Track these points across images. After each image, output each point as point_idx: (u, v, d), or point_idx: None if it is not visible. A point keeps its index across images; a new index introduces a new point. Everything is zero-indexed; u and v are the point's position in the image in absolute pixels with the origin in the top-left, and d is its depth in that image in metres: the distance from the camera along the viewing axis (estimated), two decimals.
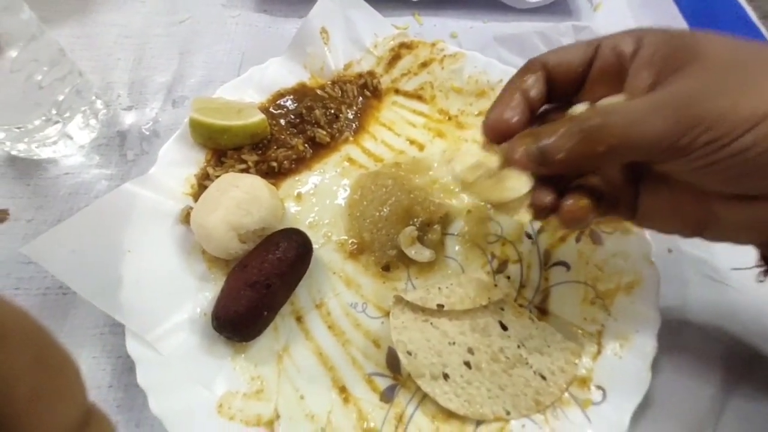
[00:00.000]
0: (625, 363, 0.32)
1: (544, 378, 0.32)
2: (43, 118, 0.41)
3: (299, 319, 0.36)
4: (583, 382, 0.32)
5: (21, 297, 0.37)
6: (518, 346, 0.33)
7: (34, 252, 0.31)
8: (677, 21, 0.56)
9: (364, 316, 0.36)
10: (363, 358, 0.34)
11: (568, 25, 0.55)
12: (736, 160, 0.21)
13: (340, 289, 0.38)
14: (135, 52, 0.53)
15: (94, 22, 0.56)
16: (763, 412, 0.32)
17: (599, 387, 0.31)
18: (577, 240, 0.40)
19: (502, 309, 0.35)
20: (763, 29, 0.55)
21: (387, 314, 0.36)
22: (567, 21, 0.56)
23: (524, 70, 0.29)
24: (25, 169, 0.44)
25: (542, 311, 0.37)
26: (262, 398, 0.32)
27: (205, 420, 0.30)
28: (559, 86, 0.28)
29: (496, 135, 0.28)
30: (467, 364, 0.32)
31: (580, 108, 0.27)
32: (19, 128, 0.41)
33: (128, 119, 0.48)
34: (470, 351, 0.33)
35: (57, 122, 0.42)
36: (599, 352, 0.33)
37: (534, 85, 0.28)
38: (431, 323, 0.34)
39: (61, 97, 0.42)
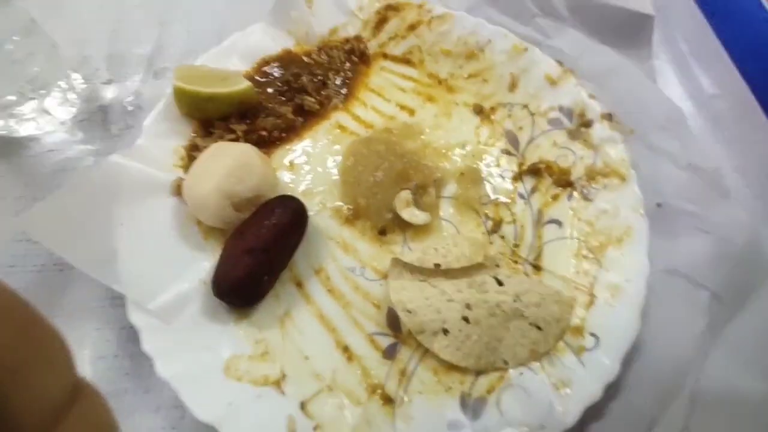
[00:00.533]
0: (616, 311, 0.33)
1: (540, 329, 0.33)
2: (18, 92, 0.39)
3: (299, 284, 0.36)
4: (577, 330, 0.33)
5: (17, 274, 0.37)
6: (514, 300, 0.34)
7: (26, 225, 0.31)
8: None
9: (362, 279, 0.37)
10: (364, 319, 0.35)
11: None
12: None
13: (337, 254, 0.38)
14: (111, 23, 0.51)
15: None
16: (747, 354, 0.33)
17: (592, 334, 0.33)
18: (569, 198, 0.41)
19: (498, 266, 0.36)
20: None
21: (385, 276, 0.37)
22: None
23: None
24: (6, 147, 0.43)
25: (536, 268, 0.38)
26: (268, 360, 0.33)
27: (213, 381, 0.30)
28: None
29: None
30: (465, 319, 0.33)
31: None
32: None
33: (109, 93, 0.47)
34: (468, 306, 0.34)
35: (32, 98, 0.41)
36: (592, 302, 0.34)
37: None
38: (429, 283, 0.35)
39: (35, 70, 0.40)
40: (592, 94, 0.44)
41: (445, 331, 0.33)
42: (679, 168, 0.42)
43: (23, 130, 0.42)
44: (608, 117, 0.43)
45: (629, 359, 0.32)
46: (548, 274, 0.37)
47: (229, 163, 0.35)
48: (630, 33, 0.51)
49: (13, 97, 0.39)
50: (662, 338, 0.33)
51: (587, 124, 0.43)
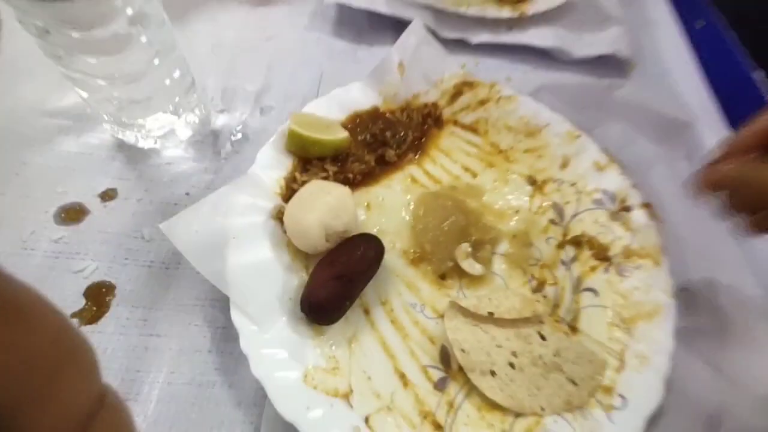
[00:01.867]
0: (643, 377, 0.38)
1: (575, 384, 0.38)
2: (166, 112, 0.48)
3: (366, 311, 0.42)
4: (607, 390, 0.38)
5: (129, 267, 0.43)
6: (554, 355, 0.39)
7: (167, 229, 0.38)
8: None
9: (421, 315, 0.43)
10: (420, 351, 0.40)
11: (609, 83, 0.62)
12: None
13: (402, 290, 0.44)
14: (227, 61, 0.60)
15: (191, 31, 0.63)
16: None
17: (621, 395, 0.37)
18: (606, 271, 0.46)
19: (542, 322, 0.41)
20: None
21: (441, 316, 0.42)
22: (613, 78, 0.63)
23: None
24: (132, 155, 0.50)
25: (573, 329, 0.43)
26: (338, 375, 0.38)
27: (294, 385, 0.36)
28: None
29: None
30: (511, 365, 0.38)
31: None
32: (125, 121, 0.47)
33: (220, 121, 0.55)
34: (514, 354, 0.39)
35: (172, 117, 0.49)
36: (622, 367, 0.39)
37: None
38: (480, 328, 0.41)
39: (179, 93, 0.48)
40: (635, 183, 0.51)
41: (493, 373, 0.38)
42: (704, 258, 0.48)
43: (146, 144, 0.50)
44: (647, 206, 0.49)
45: (653, 421, 0.36)
46: (584, 336, 0.42)
47: (330, 201, 0.42)
48: (669, 133, 0.58)
49: (160, 116, 0.47)
50: (683, 405, 0.37)
51: (627, 209, 0.49)
